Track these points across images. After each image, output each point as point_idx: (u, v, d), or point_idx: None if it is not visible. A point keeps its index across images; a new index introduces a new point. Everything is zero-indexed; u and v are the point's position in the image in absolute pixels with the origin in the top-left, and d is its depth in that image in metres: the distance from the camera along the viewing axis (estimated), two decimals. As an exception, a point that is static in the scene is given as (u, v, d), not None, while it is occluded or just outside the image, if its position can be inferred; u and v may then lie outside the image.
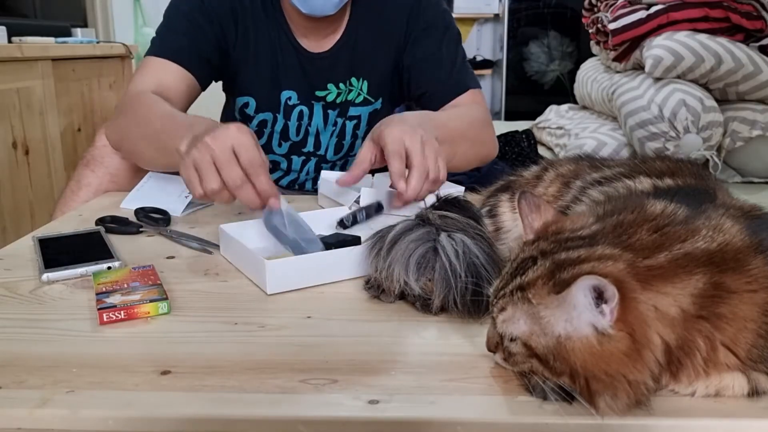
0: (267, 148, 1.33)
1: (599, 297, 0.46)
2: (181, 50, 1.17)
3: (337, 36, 1.25)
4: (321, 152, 1.34)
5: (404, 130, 0.89)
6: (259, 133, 1.32)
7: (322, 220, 0.93)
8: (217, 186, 0.77)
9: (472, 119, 1.19)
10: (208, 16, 1.19)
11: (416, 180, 0.86)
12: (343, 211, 0.94)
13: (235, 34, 1.22)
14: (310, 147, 1.33)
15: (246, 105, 1.29)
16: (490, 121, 1.26)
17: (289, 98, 1.27)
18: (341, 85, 1.27)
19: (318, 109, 1.29)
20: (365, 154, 0.92)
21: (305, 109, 1.28)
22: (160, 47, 1.18)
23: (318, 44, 1.25)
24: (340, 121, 1.31)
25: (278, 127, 1.30)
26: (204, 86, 1.23)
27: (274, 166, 1.36)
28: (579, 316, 0.47)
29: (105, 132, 1.20)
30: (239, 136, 0.78)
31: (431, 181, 0.88)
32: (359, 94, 1.29)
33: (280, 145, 1.33)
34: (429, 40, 1.26)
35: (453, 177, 1.39)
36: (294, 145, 1.33)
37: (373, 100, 1.31)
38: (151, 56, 1.17)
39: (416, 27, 1.25)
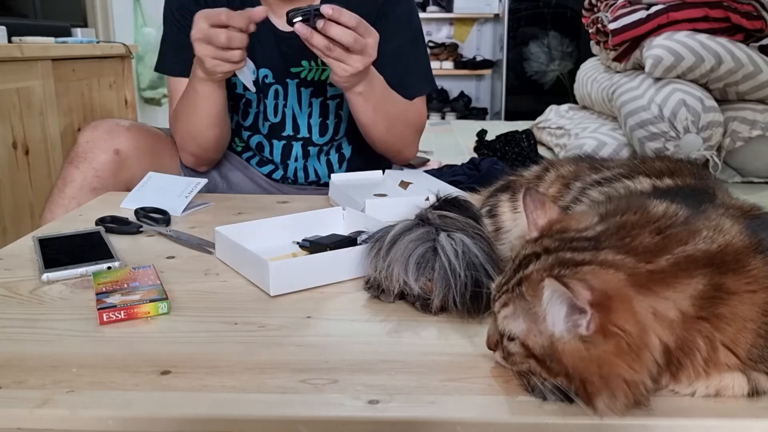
0: (254, 128, 1.38)
1: (574, 306, 0.46)
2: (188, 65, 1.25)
3: None
4: (303, 134, 1.37)
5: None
6: (245, 113, 1.37)
7: (329, 218, 0.93)
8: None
9: (404, 114, 1.30)
10: (185, 20, 1.25)
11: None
12: (339, 210, 0.95)
13: None
14: (289, 130, 1.37)
15: (234, 86, 1.35)
16: (417, 126, 1.36)
17: (266, 76, 1.32)
18: (312, 63, 1.31)
19: (292, 87, 1.32)
20: None
21: (280, 88, 1.33)
22: (172, 66, 1.32)
23: None
24: (315, 102, 1.34)
25: (262, 107, 1.35)
26: None
27: (259, 151, 1.40)
28: (553, 321, 0.47)
29: (181, 156, 1.34)
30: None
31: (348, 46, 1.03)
32: None
33: (263, 125, 1.37)
34: (391, 34, 1.29)
35: (453, 177, 1.39)
36: (273, 127, 1.37)
37: None
38: (171, 78, 1.33)
39: (383, 15, 1.29)
